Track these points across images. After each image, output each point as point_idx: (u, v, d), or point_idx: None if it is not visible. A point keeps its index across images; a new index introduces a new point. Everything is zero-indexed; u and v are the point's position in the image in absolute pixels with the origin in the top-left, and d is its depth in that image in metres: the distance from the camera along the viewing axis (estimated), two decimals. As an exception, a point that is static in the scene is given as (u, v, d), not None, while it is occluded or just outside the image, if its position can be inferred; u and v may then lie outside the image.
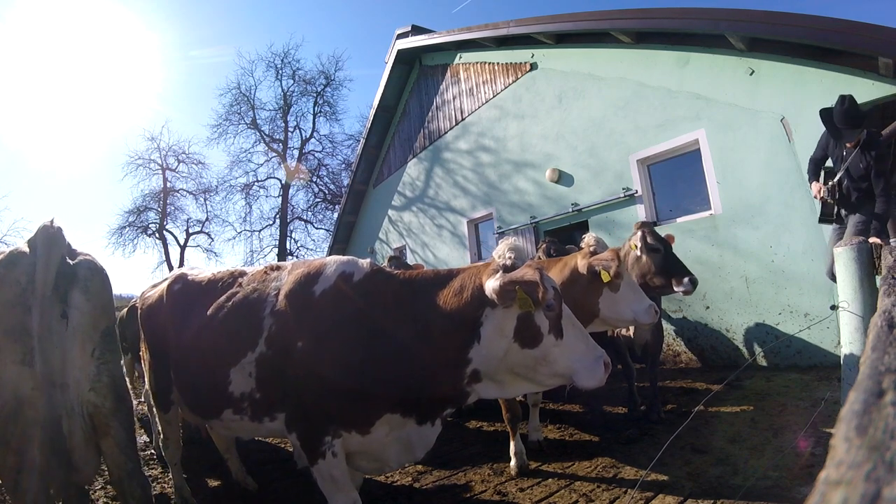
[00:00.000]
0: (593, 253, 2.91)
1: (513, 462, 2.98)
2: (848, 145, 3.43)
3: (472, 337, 1.70)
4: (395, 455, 1.95)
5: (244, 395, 2.03)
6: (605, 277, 2.72)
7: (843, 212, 3.57)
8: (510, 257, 1.73)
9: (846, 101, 3.32)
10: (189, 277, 2.50)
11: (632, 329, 4.02)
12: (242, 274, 2.31)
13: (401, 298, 1.87)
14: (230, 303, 2.15)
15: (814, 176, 3.72)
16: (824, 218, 3.67)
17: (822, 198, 3.57)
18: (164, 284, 2.60)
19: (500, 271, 1.68)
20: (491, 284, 1.65)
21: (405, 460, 2.03)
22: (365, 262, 2.04)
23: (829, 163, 3.68)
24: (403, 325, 1.81)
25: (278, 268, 2.21)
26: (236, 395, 2.04)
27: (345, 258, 2.08)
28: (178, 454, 2.73)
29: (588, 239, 3.00)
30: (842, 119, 3.31)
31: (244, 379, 2.02)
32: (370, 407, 1.82)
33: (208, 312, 2.19)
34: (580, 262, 2.92)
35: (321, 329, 1.87)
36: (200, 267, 2.85)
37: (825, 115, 3.43)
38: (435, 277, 1.92)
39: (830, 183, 3.51)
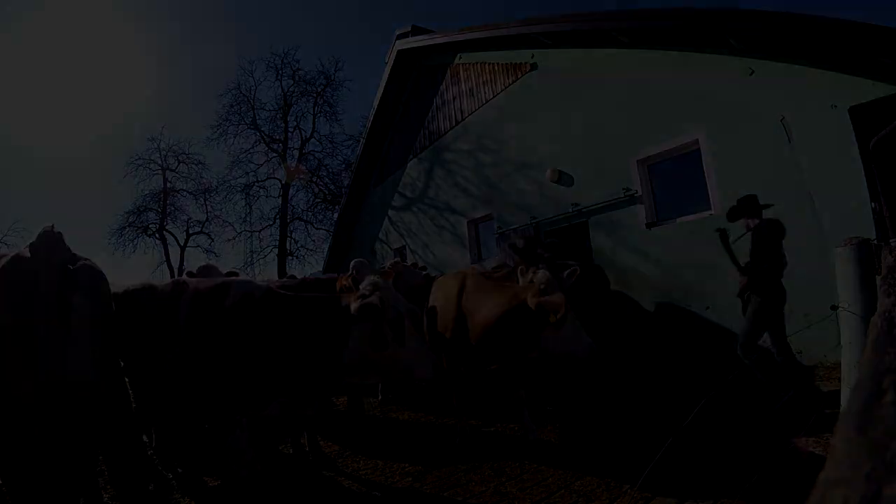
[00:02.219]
0: (543, 292, 2.85)
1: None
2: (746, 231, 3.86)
3: (343, 342, 2.35)
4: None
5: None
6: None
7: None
8: (369, 289, 2.40)
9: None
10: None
11: None
12: (153, 287, 2.76)
13: (293, 314, 2.43)
14: (149, 314, 2.62)
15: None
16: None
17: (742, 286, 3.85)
18: None
19: (361, 297, 2.35)
20: (354, 306, 2.34)
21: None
22: (262, 283, 2.69)
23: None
24: (294, 335, 2.37)
25: (185, 283, 2.73)
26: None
27: (244, 279, 2.80)
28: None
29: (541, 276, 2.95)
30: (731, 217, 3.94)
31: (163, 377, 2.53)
32: (264, 395, 2.39)
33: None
34: (530, 299, 2.89)
35: (226, 336, 2.38)
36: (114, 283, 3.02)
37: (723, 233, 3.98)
38: (319, 300, 2.60)
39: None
